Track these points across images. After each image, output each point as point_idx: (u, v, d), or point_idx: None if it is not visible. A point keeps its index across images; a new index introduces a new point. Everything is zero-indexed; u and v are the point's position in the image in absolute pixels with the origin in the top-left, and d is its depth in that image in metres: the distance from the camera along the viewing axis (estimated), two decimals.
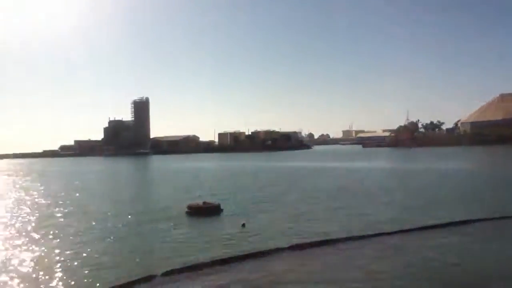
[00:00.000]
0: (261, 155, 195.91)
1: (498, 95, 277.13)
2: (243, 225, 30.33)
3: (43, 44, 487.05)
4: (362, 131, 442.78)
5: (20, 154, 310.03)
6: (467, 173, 68.77)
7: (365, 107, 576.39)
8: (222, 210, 36.63)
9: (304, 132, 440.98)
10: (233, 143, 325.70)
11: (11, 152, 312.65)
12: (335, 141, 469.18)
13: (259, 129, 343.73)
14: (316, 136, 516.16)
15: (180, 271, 19.92)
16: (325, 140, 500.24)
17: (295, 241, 24.74)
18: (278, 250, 23.02)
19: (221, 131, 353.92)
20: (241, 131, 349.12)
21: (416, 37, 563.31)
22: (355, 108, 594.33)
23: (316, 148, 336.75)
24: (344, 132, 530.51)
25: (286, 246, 23.71)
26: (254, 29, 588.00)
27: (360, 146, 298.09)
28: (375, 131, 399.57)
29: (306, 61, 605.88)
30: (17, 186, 73.42)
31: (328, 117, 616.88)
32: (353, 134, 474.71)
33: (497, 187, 49.27)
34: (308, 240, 24.82)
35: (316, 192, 48.78)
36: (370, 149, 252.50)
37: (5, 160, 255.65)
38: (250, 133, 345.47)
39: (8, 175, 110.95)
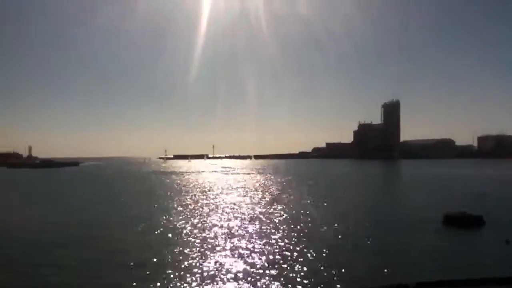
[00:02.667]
0: None
1: None
2: (507, 241, 26.46)
3: (286, 49, 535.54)
4: None
5: (280, 155, 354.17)
6: None
7: None
8: (484, 222, 32.80)
9: None
10: (497, 148, 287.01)
11: (273, 153, 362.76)
12: None
13: None
14: None
15: (435, 284, 18.60)
16: None
17: None
18: None
19: (482, 134, 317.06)
20: (508, 134, 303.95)
21: None
22: None
23: None
24: None
25: None
26: None
27: None
28: None
29: None
30: (273, 182, 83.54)
31: None
32: None
33: None
34: None
35: None
36: None
37: (267, 160, 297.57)
38: None
39: (269, 173, 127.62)
